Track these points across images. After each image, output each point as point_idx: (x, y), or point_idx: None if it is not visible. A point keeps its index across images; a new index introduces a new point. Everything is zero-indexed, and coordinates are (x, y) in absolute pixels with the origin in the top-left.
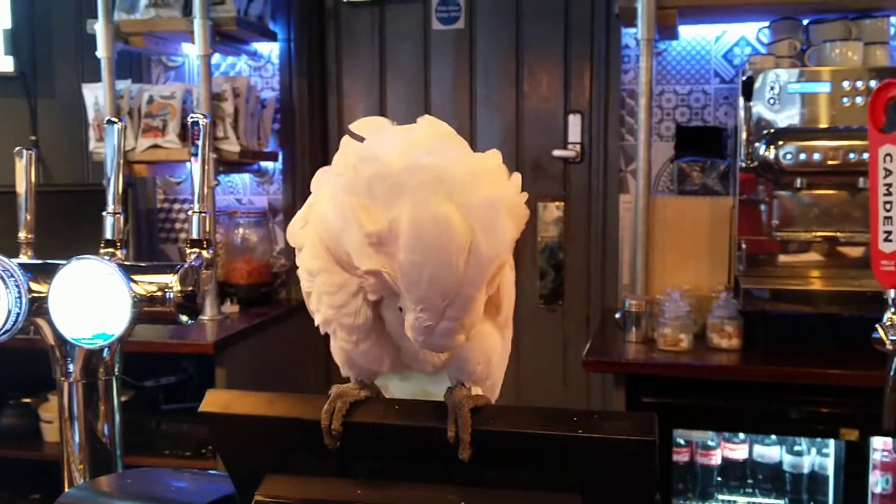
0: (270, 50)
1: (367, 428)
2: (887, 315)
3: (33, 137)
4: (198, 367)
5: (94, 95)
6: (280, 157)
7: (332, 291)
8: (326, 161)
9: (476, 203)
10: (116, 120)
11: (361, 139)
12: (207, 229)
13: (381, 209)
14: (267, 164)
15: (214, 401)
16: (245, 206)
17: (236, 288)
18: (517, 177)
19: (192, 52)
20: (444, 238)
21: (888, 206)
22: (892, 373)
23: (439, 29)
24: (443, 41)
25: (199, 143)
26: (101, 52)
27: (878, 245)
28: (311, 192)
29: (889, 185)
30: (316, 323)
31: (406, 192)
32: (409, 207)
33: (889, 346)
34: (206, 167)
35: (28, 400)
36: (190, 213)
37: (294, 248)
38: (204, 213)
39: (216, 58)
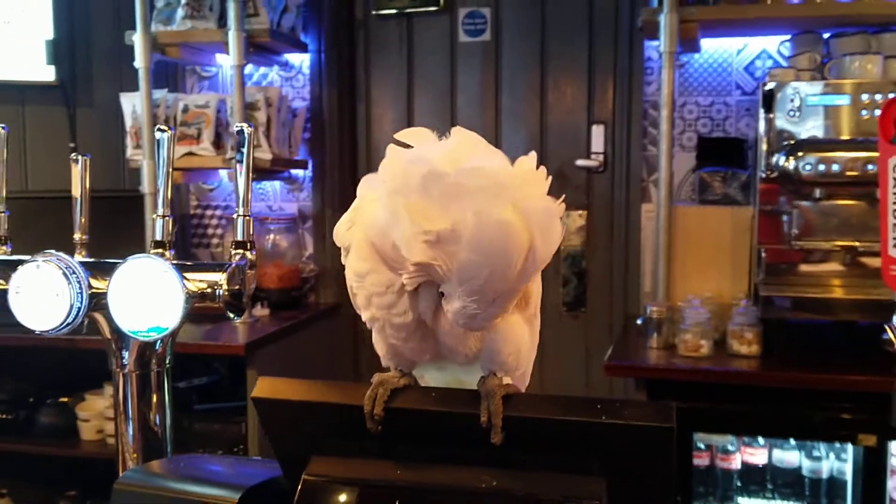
0: (301, 61)
1: (407, 413)
2: None
3: (72, 145)
4: (229, 369)
5: (132, 104)
6: (310, 165)
7: (381, 292)
8: (355, 169)
9: (534, 209)
10: (166, 128)
11: (406, 147)
12: (250, 232)
13: (436, 208)
14: (297, 172)
15: (266, 387)
16: (276, 212)
17: (267, 292)
18: (549, 179)
19: (225, 62)
20: (507, 243)
21: None
22: None
23: (466, 41)
24: (469, 53)
25: (245, 150)
26: (139, 62)
27: (887, 251)
28: (342, 199)
29: None
30: (363, 319)
31: (466, 194)
32: (473, 210)
33: None
34: (249, 173)
35: (65, 399)
36: (234, 216)
37: (340, 250)
38: (248, 216)
39: (249, 68)
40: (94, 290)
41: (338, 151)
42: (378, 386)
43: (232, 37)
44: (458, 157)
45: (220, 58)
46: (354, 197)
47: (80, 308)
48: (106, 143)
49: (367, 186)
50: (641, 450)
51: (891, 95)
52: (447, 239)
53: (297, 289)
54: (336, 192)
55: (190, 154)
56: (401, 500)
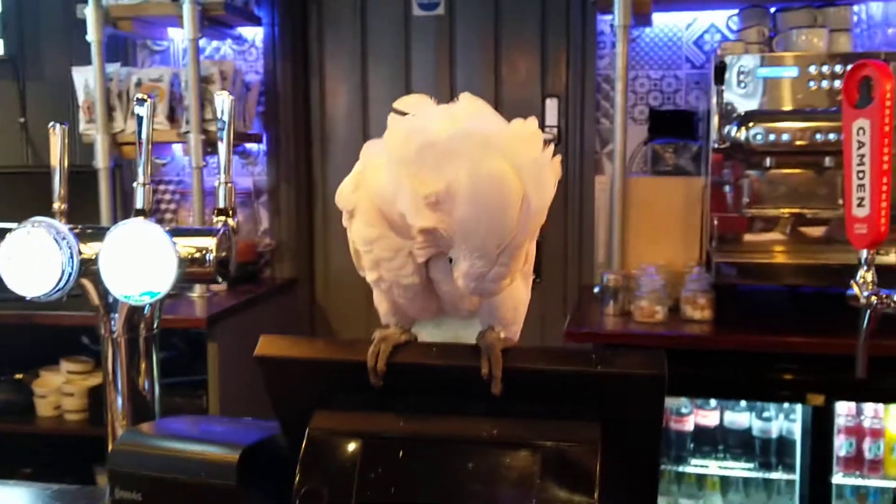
0: (255, 34)
1: (409, 367)
2: (860, 273)
3: (22, 119)
4: (186, 343)
5: (84, 78)
6: (264, 138)
7: (391, 257)
8: (309, 142)
9: (525, 162)
10: (145, 97)
11: (404, 115)
12: (232, 199)
13: (432, 174)
14: (251, 146)
15: (268, 346)
16: None
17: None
18: (549, 142)
19: (177, 36)
20: (500, 192)
21: (861, 175)
22: (864, 325)
23: (420, 15)
24: (423, 27)
25: (226, 119)
26: (91, 35)
27: (851, 210)
28: (297, 172)
29: (861, 156)
30: (368, 280)
31: (458, 156)
32: (465, 168)
33: (863, 301)
34: (230, 142)
35: (20, 376)
36: (216, 184)
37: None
38: (229, 183)
39: (202, 42)
40: (83, 256)
41: (292, 125)
42: (381, 342)
43: (186, 10)
44: (458, 122)
45: (172, 31)
46: (308, 170)
47: (71, 273)
48: (57, 117)
49: (371, 152)
50: (635, 396)
51: (837, 67)
52: (445, 199)
53: (253, 263)
54: (291, 166)
55: None
56: (404, 450)
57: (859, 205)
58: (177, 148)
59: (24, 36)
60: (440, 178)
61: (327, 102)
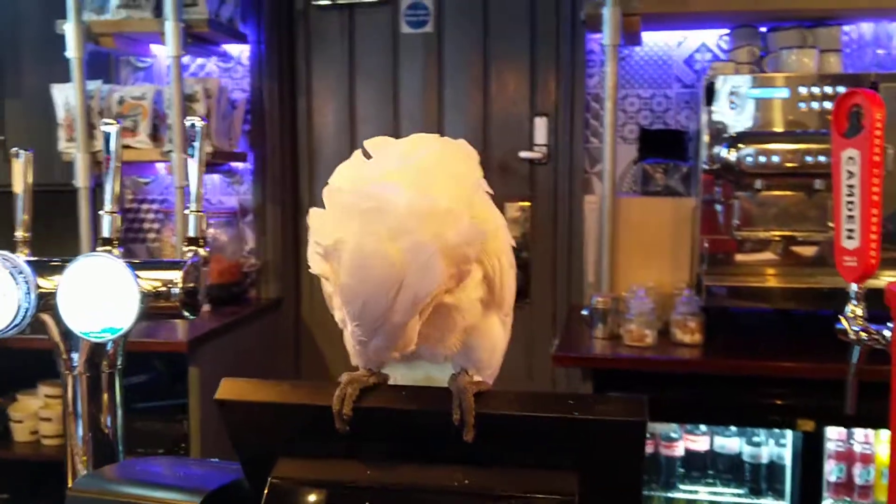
0: (241, 52)
1: (377, 412)
2: (849, 307)
3: (1, 138)
4: (167, 366)
5: (64, 96)
6: (250, 157)
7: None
8: (296, 161)
9: (412, 245)
10: (113, 122)
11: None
12: (203, 227)
13: (331, 224)
14: (237, 165)
15: (229, 389)
16: (215, 206)
17: (207, 287)
18: (467, 220)
19: (161, 53)
20: (378, 274)
21: (850, 206)
22: (853, 360)
23: (408, 32)
24: (411, 44)
25: (197, 144)
26: (72, 52)
27: (840, 242)
28: (283, 192)
29: (851, 186)
30: (336, 319)
31: (354, 218)
32: (353, 235)
33: (852, 336)
34: (201, 168)
35: None
36: (187, 212)
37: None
38: (200, 212)
39: (186, 59)
40: (41, 290)
41: (278, 144)
42: (347, 385)
43: (169, 27)
44: (369, 179)
45: (155, 48)
46: (295, 189)
47: (27, 309)
48: (36, 135)
49: None
50: (613, 444)
51: (828, 88)
52: (331, 255)
53: (238, 284)
54: (277, 185)
55: (126, 147)
56: (371, 500)
57: (849, 237)
58: (161, 167)
59: (2, 52)
60: (335, 231)
61: (314, 121)
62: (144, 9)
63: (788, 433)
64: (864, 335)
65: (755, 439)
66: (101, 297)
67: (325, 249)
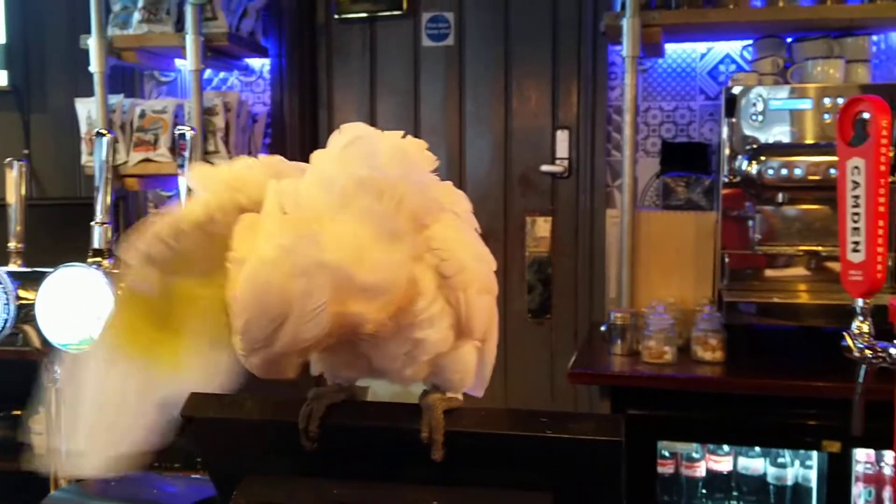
0: (262, 65)
1: (344, 430)
2: (855, 323)
3: (26, 151)
4: None
5: (87, 110)
6: None
7: None
8: None
9: (300, 288)
10: (105, 132)
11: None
12: None
13: (248, 237)
14: None
15: (195, 404)
16: None
17: None
18: (386, 262)
19: (184, 66)
20: (264, 304)
21: (855, 218)
22: (860, 380)
23: (429, 46)
24: (432, 58)
25: (186, 154)
26: (94, 66)
27: (846, 255)
28: None
29: (856, 197)
30: None
31: (260, 237)
32: (252, 260)
33: (857, 354)
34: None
35: (18, 412)
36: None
37: None
38: None
39: (208, 73)
40: (22, 301)
41: (299, 157)
42: (313, 401)
43: (189, 41)
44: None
45: (178, 62)
46: None
47: (6, 320)
48: (61, 149)
49: None
50: (589, 464)
51: None
52: (233, 271)
53: None
54: None
55: (147, 160)
56: None
57: (854, 250)
58: (183, 181)
59: (29, 67)
60: (247, 242)
61: None
62: (166, 23)
63: (814, 454)
64: (868, 353)
65: (780, 460)
66: (79, 308)
67: (231, 259)
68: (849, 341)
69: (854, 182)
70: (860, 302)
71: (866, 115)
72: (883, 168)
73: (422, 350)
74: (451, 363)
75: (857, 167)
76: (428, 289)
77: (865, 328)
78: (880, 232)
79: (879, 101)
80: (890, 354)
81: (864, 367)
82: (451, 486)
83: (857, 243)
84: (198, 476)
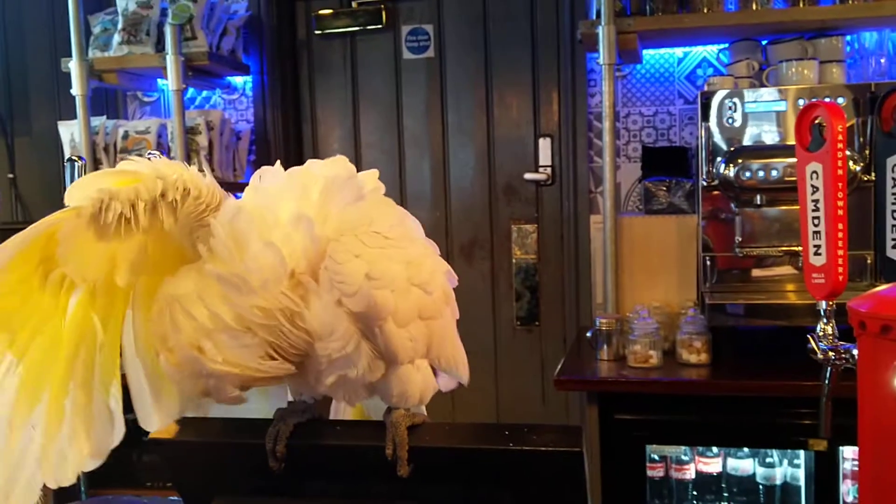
0: (244, 82)
1: (310, 449)
2: (819, 326)
3: (11, 175)
4: None
5: (70, 133)
6: None
7: None
8: None
9: (181, 341)
10: (76, 158)
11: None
12: None
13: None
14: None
15: (164, 427)
16: None
17: None
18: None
19: (166, 86)
20: (169, 326)
21: (816, 221)
22: (826, 381)
23: (410, 58)
24: (414, 70)
25: None
26: (76, 89)
27: (808, 258)
28: None
29: (816, 201)
30: None
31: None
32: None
33: (821, 356)
34: None
35: None
36: None
37: None
38: None
39: (191, 92)
40: None
41: None
42: (279, 422)
43: (170, 61)
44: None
45: (161, 82)
46: None
47: None
48: (46, 172)
49: None
50: (551, 475)
51: (828, 101)
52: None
53: None
54: None
55: None
56: None
57: (815, 253)
58: None
59: (11, 91)
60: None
61: (320, 149)
62: (146, 44)
63: (801, 453)
64: (832, 354)
65: (768, 460)
66: None
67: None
68: (812, 343)
69: (813, 186)
70: (823, 304)
71: (823, 121)
72: (840, 172)
73: (350, 380)
74: (389, 385)
75: (815, 172)
76: (328, 329)
77: (829, 330)
78: (840, 235)
79: (834, 106)
80: (853, 355)
81: (829, 368)
82: (418, 501)
83: (818, 247)
84: (175, 498)
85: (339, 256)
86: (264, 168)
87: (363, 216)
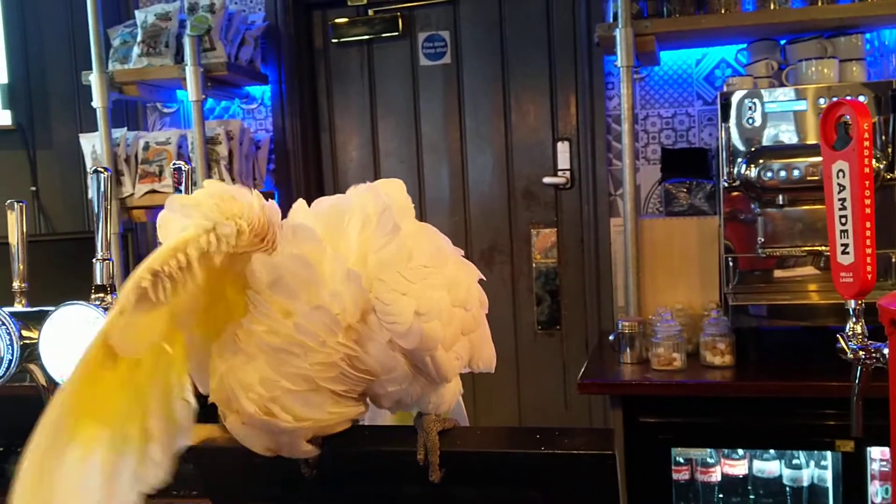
0: (262, 92)
1: (343, 455)
2: (849, 325)
3: (33, 188)
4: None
5: (92, 145)
6: (276, 196)
7: None
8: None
9: (246, 409)
10: (102, 169)
11: None
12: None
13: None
14: None
15: (198, 434)
16: None
17: None
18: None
19: (186, 97)
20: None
21: (843, 220)
22: (856, 381)
23: (427, 65)
24: (431, 76)
25: (182, 188)
26: (97, 101)
27: (836, 258)
28: None
29: (843, 200)
30: None
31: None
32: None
33: (850, 356)
34: None
35: None
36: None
37: None
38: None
39: (210, 102)
40: (26, 341)
41: (304, 181)
42: None
43: (189, 72)
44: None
45: (180, 93)
46: None
47: (11, 360)
48: (67, 184)
49: None
50: (582, 479)
51: (849, 99)
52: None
53: None
54: None
55: (153, 192)
56: None
57: (843, 252)
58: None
59: (32, 104)
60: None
61: (338, 156)
62: (165, 56)
63: (829, 454)
64: (862, 354)
65: (795, 462)
66: (82, 345)
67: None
68: (842, 343)
69: (840, 185)
70: (852, 303)
71: (848, 119)
72: (867, 170)
73: (398, 398)
74: (427, 397)
75: (841, 170)
76: (387, 368)
77: (859, 329)
78: (868, 233)
79: (860, 104)
80: (883, 354)
81: (859, 367)
82: None
83: (845, 246)
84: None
85: (386, 297)
86: (300, 203)
87: (402, 250)
